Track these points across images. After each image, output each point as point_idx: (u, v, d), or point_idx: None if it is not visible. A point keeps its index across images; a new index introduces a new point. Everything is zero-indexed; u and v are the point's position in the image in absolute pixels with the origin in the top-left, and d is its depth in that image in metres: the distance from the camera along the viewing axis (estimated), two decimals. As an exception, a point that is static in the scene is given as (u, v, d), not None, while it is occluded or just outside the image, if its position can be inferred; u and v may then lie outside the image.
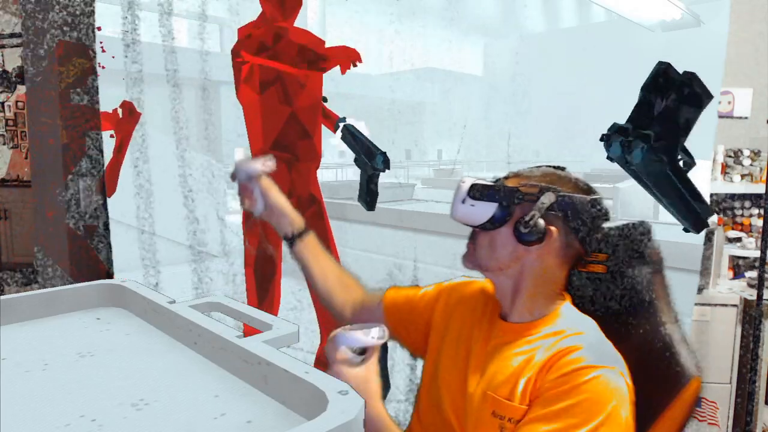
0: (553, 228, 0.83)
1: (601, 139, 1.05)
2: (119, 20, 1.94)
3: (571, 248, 0.86)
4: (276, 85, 2.05)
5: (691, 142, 1.03)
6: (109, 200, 1.75)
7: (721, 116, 2.65)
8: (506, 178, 0.90)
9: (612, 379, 0.76)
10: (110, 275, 1.75)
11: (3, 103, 1.75)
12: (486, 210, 0.84)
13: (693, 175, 1.05)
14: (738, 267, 2.66)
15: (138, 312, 0.89)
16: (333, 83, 2.19)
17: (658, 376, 0.87)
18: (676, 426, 0.87)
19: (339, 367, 0.73)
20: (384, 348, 0.81)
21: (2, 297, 0.86)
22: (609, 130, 1.04)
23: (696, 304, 2.33)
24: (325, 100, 2.16)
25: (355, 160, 2.08)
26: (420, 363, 1.02)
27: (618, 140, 1.02)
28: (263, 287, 2.19)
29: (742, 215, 2.68)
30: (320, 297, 1.10)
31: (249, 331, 0.77)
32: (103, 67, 1.80)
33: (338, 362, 0.73)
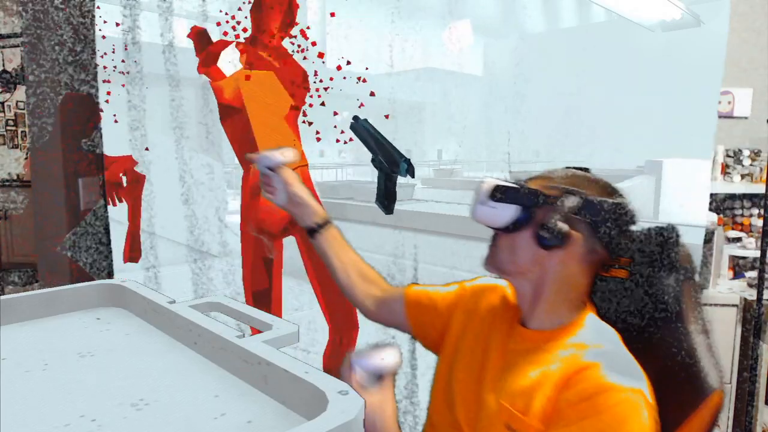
0: (576, 232, 0.80)
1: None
2: (119, 20, 1.94)
3: (595, 254, 0.82)
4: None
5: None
6: (108, 200, 1.75)
7: (721, 116, 2.65)
8: (530, 179, 0.87)
9: (633, 400, 0.73)
10: (110, 275, 1.75)
11: (3, 103, 1.75)
12: (507, 212, 0.81)
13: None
14: (738, 267, 2.66)
15: (138, 312, 0.89)
16: (333, 83, 2.19)
17: (678, 388, 0.83)
18: None
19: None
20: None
21: (2, 297, 0.86)
22: None
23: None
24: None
25: (372, 161, 2.03)
26: (420, 363, 1.02)
27: None
28: (259, 274, 2.17)
29: (742, 215, 2.68)
30: (342, 289, 1.10)
31: (256, 332, 0.77)
32: (104, 68, 1.81)
33: (354, 387, 0.73)
